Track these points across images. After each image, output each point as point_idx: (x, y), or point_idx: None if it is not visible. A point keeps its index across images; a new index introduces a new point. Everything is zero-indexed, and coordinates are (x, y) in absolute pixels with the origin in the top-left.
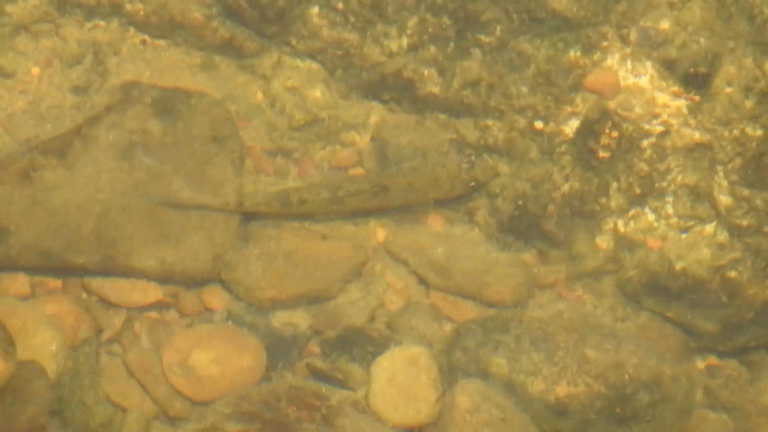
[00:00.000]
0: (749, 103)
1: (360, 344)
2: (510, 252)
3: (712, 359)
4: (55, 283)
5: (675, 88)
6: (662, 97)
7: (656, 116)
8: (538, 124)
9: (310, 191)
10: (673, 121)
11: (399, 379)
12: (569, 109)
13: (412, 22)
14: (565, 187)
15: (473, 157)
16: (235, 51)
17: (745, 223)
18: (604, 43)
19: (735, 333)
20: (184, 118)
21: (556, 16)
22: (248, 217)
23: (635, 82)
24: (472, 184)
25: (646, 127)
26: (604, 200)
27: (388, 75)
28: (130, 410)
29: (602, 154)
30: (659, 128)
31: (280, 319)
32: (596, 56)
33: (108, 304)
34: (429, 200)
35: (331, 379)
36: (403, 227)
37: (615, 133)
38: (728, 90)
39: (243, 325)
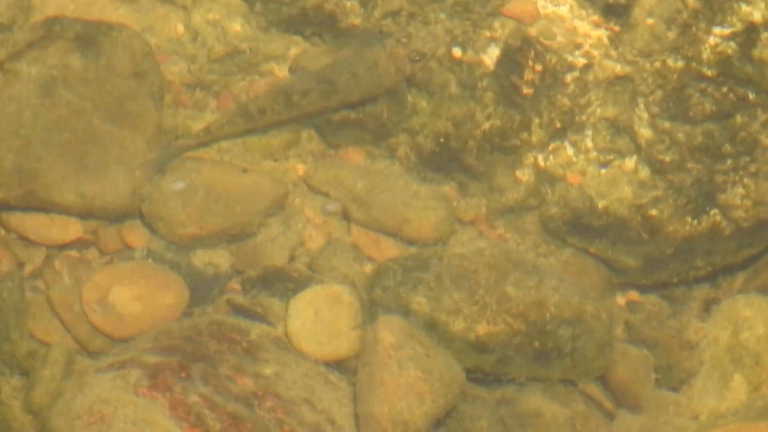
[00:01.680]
0: (671, 35)
1: (281, 281)
2: (430, 185)
3: (634, 295)
4: None
5: (595, 17)
6: (583, 26)
7: (578, 46)
8: (457, 52)
9: (267, 100)
10: (595, 53)
11: (320, 314)
12: (488, 33)
13: None
14: (487, 125)
15: (408, 29)
16: None
17: (667, 158)
18: None
19: (656, 268)
20: (105, 52)
21: None
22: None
23: (554, 11)
24: (417, 58)
25: (569, 58)
26: (525, 135)
27: (309, 9)
28: (54, 344)
29: (526, 90)
30: (582, 60)
31: (201, 258)
32: None
33: (28, 241)
34: (380, 89)
35: (251, 313)
36: (324, 162)
37: (539, 66)
38: (649, 21)
39: (164, 263)
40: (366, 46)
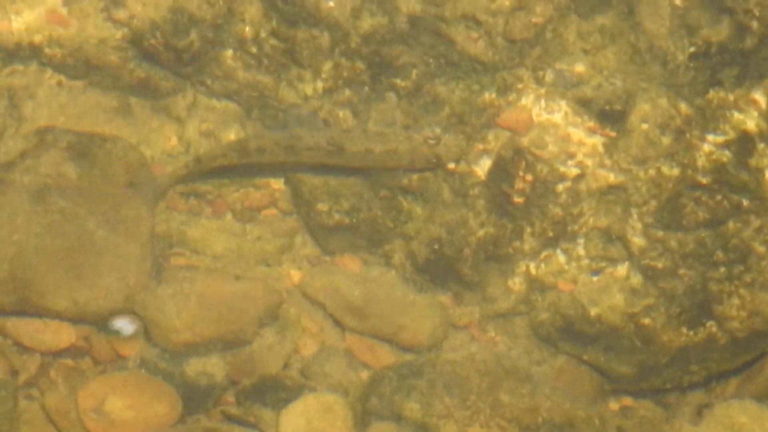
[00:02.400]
0: (666, 140)
1: (274, 391)
2: (426, 294)
3: (627, 400)
4: None
5: (590, 124)
6: (577, 134)
7: (571, 156)
8: (450, 164)
9: (269, 140)
10: (589, 162)
11: (312, 424)
12: (481, 146)
13: (327, 66)
14: (480, 233)
15: (440, 134)
16: (151, 91)
17: (659, 265)
18: (520, 85)
19: (650, 375)
20: (100, 162)
21: (471, 59)
22: (161, 256)
23: (549, 118)
24: (434, 161)
25: (561, 169)
26: (517, 244)
27: (305, 115)
28: None
29: (517, 199)
30: (575, 171)
31: (194, 367)
32: (511, 97)
33: (22, 347)
34: (391, 169)
35: (244, 423)
36: (320, 269)
37: (529, 177)
38: (644, 126)
39: (157, 373)
40: (390, 128)
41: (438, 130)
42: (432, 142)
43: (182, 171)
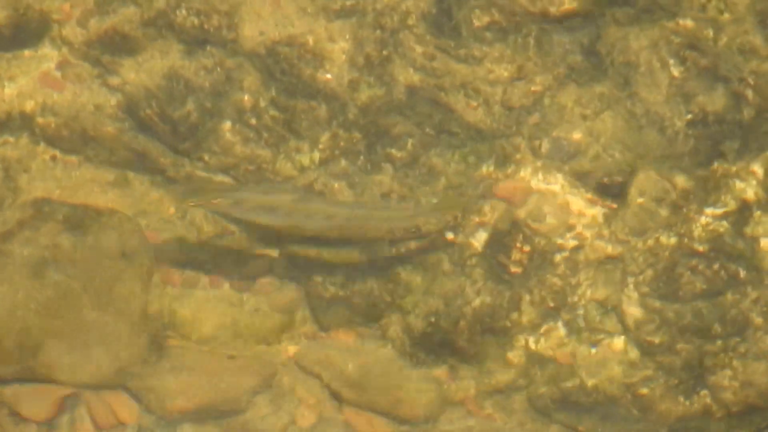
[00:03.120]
0: (664, 212)
1: None
2: (422, 368)
3: None
4: None
5: (589, 195)
6: (576, 204)
7: (570, 228)
8: (450, 235)
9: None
10: (587, 233)
11: None
12: (477, 219)
13: (325, 137)
14: (477, 302)
15: (419, 206)
16: (148, 167)
17: (656, 340)
18: (518, 156)
19: None
20: (95, 234)
21: (469, 128)
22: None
23: (547, 188)
24: (413, 230)
25: (559, 241)
26: (515, 315)
27: (300, 187)
28: None
29: (514, 269)
30: (572, 242)
31: None
32: (510, 169)
33: (19, 417)
34: (371, 239)
35: None
36: (315, 343)
37: (527, 248)
38: (640, 200)
39: None
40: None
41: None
42: (410, 213)
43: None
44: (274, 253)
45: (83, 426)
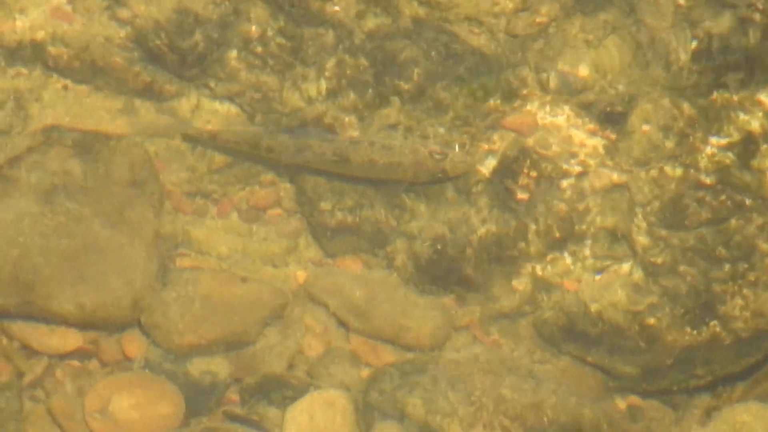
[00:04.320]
0: (669, 143)
1: (278, 389)
2: (428, 296)
3: (634, 399)
4: None
5: (591, 126)
6: (579, 135)
7: (574, 155)
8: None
9: (279, 142)
10: (591, 161)
11: (316, 420)
12: (486, 146)
13: (330, 63)
14: (482, 230)
15: (448, 151)
16: (155, 94)
17: (660, 261)
18: (524, 90)
19: (655, 377)
20: (104, 160)
21: (474, 53)
22: (168, 258)
23: (552, 121)
24: (440, 176)
25: (564, 166)
26: (522, 245)
27: (309, 121)
28: None
29: (521, 195)
30: (577, 168)
31: (198, 366)
32: (516, 103)
33: (29, 350)
34: (396, 181)
35: (247, 422)
36: (323, 270)
37: (533, 173)
38: (645, 128)
39: (161, 373)
40: (397, 140)
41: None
42: (438, 156)
43: (197, 134)
44: (284, 181)
45: (90, 362)
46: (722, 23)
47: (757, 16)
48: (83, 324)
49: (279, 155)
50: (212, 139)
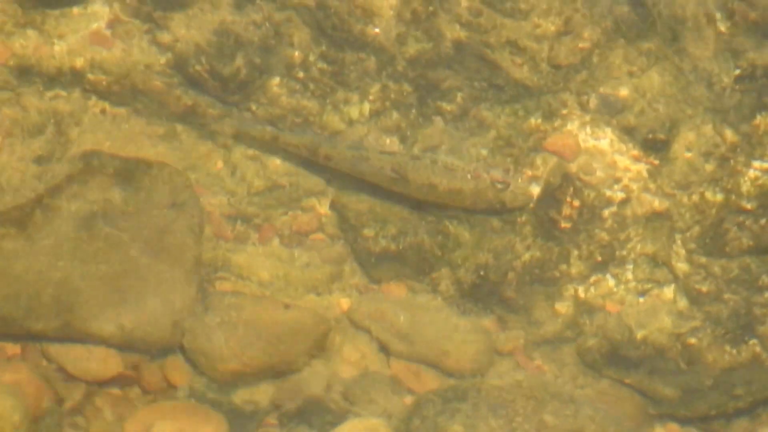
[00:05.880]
0: (709, 167)
1: (318, 414)
2: (470, 318)
3: (673, 426)
4: (14, 349)
5: (635, 152)
6: (623, 161)
7: (617, 180)
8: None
9: (338, 152)
10: (634, 186)
11: None
12: (530, 172)
13: (375, 88)
14: (526, 256)
15: (510, 181)
16: (197, 117)
17: (704, 289)
18: (564, 111)
19: (694, 399)
20: (146, 187)
21: (516, 84)
22: (207, 282)
23: (595, 145)
24: (498, 207)
25: (608, 193)
26: (564, 267)
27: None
28: None
29: (564, 224)
30: (620, 195)
31: (241, 396)
32: (557, 123)
33: (68, 375)
34: (453, 207)
35: None
36: (367, 296)
37: (576, 203)
38: (687, 155)
39: (205, 402)
40: (463, 166)
41: (510, 180)
42: (500, 186)
43: (258, 133)
44: (324, 207)
45: (131, 389)
46: (766, 54)
47: None
48: (123, 345)
49: (336, 164)
50: (274, 140)
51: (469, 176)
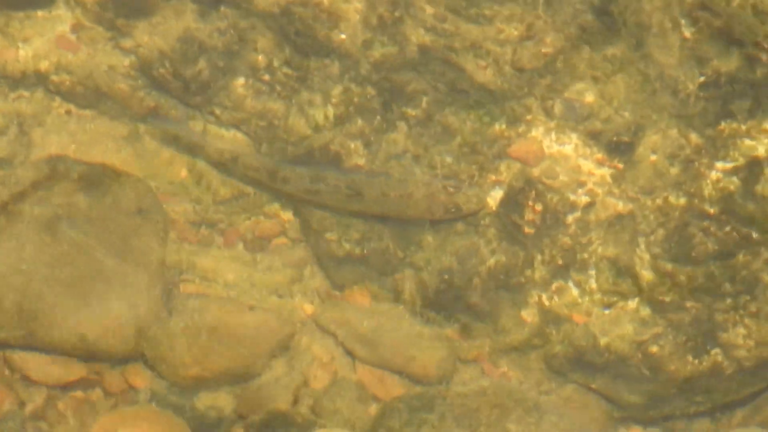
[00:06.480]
0: (674, 171)
1: (284, 427)
2: (433, 326)
3: (636, 429)
4: None
5: (599, 156)
6: (587, 165)
7: (581, 184)
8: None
9: (295, 174)
10: (598, 191)
11: None
12: (494, 177)
13: (337, 90)
14: (491, 261)
15: (462, 184)
16: (159, 123)
17: (667, 299)
18: (529, 116)
19: (659, 404)
20: (112, 193)
21: (481, 88)
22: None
23: (559, 150)
24: (453, 210)
25: (572, 197)
26: (529, 272)
27: (316, 149)
28: None
29: (527, 229)
30: (585, 198)
31: (203, 401)
32: (521, 129)
33: (30, 381)
34: (410, 216)
35: None
36: (331, 303)
37: (539, 207)
38: (653, 158)
39: (167, 406)
40: (410, 175)
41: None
42: (451, 190)
43: (218, 155)
44: (288, 213)
45: (93, 392)
46: (731, 62)
47: (764, 57)
48: (86, 355)
49: (293, 187)
50: (233, 161)
51: (420, 184)
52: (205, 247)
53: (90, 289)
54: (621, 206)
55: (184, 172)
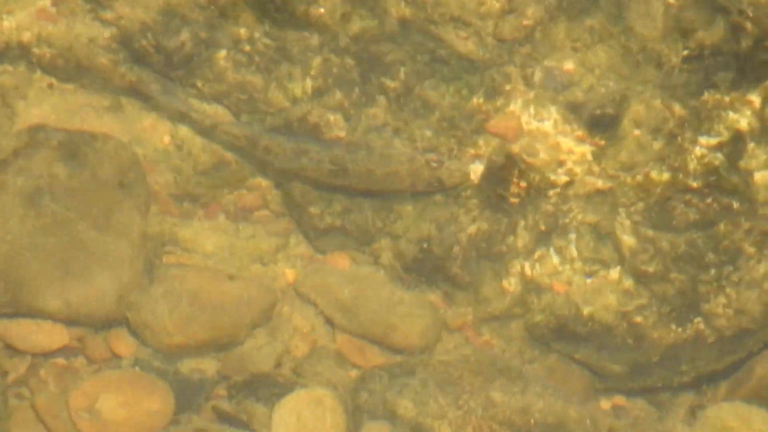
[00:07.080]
0: (657, 145)
1: (266, 387)
2: (415, 292)
3: (619, 399)
4: None
5: (579, 133)
6: (567, 142)
7: (561, 163)
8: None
9: (278, 145)
10: (578, 169)
11: (303, 419)
12: (472, 151)
13: (317, 62)
14: (472, 228)
15: (444, 158)
16: (142, 94)
17: (651, 269)
18: (508, 86)
19: (641, 374)
20: (91, 162)
21: (460, 58)
22: (154, 256)
23: (538, 127)
24: (435, 185)
25: (552, 177)
26: (511, 239)
27: (294, 120)
28: None
29: (513, 200)
30: (564, 178)
31: (187, 365)
32: (499, 102)
33: (14, 350)
34: (394, 191)
35: (236, 421)
36: (312, 268)
37: (523, 183)
38: (636, 132)
39: (151, 371)
40: (393, 149)
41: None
42: (434, 164)
43: (199, 119)
44: (270, 186)
45: (76, 359)
46: (715, 32)
47: (749, 25)
48: (69, 320)
49: (275, 158)
50: (213, 127)
51: (403, 158)
52: (188, 219)
53: (73, 259)
54: (600, 184)
55: (167, 139)
